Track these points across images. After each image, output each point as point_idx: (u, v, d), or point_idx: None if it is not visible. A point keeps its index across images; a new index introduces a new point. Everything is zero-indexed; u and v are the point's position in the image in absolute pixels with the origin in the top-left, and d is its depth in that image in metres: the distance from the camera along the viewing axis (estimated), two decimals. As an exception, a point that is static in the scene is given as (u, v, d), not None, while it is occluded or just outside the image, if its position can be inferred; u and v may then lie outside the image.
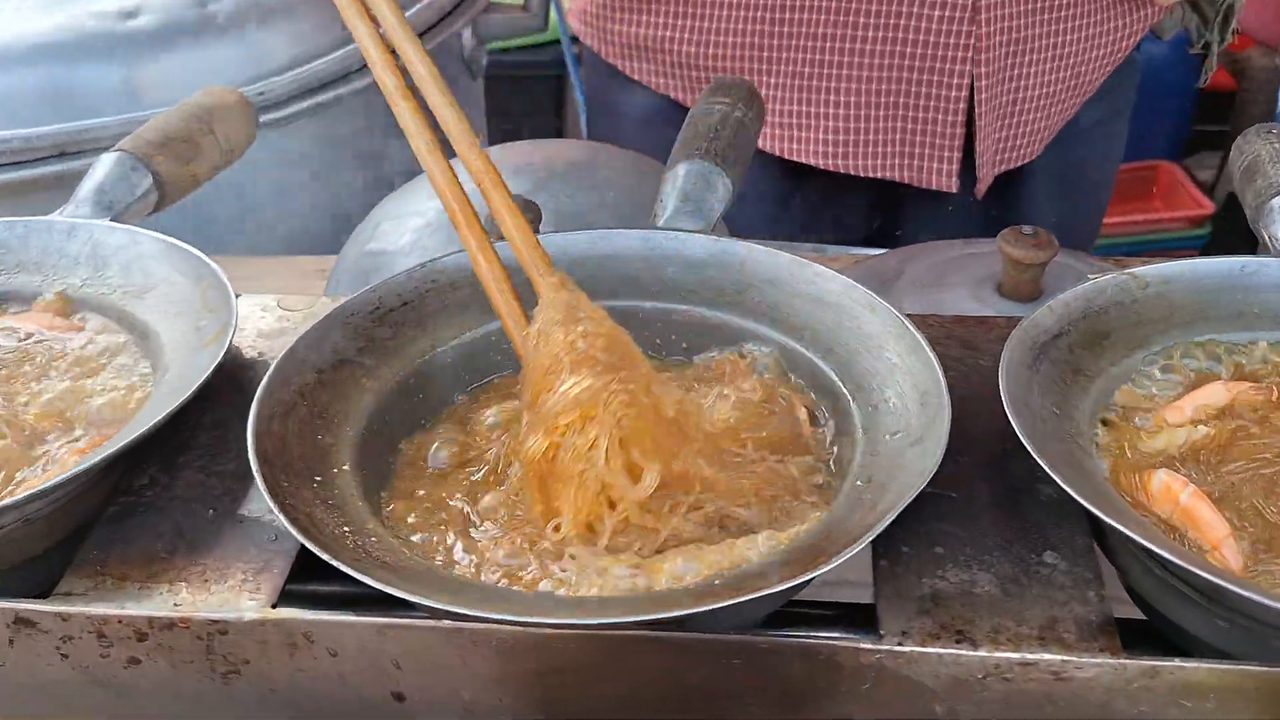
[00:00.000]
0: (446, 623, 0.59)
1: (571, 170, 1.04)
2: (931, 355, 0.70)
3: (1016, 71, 1.24)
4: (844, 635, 0.62)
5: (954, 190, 1.29)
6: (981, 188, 1.30)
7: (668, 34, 1.27)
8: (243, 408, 0.68)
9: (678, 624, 0.58)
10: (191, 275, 0.82)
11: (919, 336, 0.72)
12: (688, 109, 1.33)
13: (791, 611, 0.66)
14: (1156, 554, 0.58)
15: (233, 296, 0.77)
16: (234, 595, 0.64)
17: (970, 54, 1.21)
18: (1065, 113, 1.32)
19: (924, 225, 1.32)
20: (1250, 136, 0.92)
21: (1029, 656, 0.58)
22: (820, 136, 1.26)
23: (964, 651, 0.59)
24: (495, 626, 0.58)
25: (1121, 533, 0.58)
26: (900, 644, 0.59)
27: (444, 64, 1.51)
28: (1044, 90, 1.28)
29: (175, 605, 0.64)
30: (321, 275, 1.21)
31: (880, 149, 1.26)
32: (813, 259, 0.80)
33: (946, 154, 1.28)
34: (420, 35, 1.42)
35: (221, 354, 0.72)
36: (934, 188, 1.28)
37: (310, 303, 0.86)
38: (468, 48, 1.53)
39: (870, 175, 1.28)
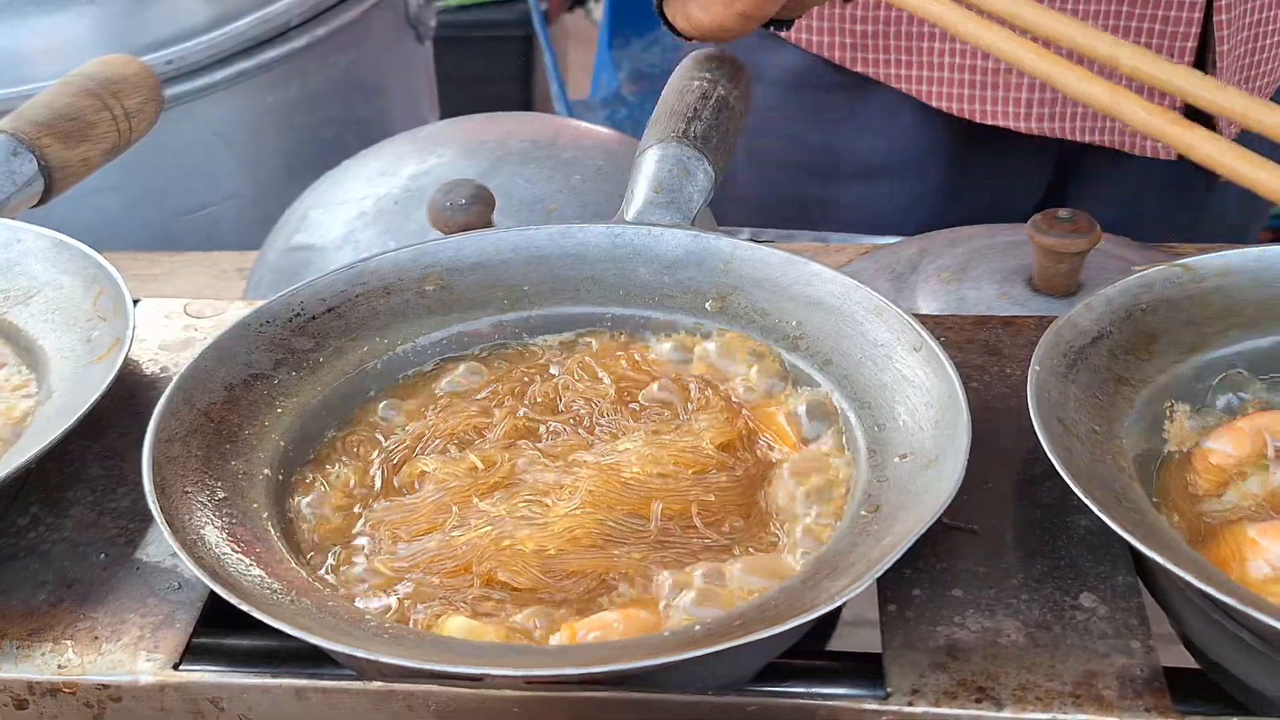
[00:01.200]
0: (376, 685, 0.59)
1: (532, 149, 1.04)
2: (948, 364, 0.70)
3: (1259, 15, 1.23)
4: (846, 693, 0.62)
5: (1173, 158, 1.27)
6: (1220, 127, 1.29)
7: None
8: (141, 433, 0.67)
9: (650, 681, 0.58)
10: (82, 278, 0.81)
11: (933, 343, 0.71)
12: (853, 72, 1.30)
13: (786, 664, 0.65)
14: (1213, 597, 0.58)
15: (130, 302, 0.77)
16: (129, 655, 0.63)
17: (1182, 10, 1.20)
18: None
19: (1109, 194, 1.33)
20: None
21: (1062, 718, 0.58)
22: (1012, 95, 1.26)
23: (986, 712, 0.58)
24: (434, 688, 0.57)
25: (1170, 571, 0.58)
26: (911, 703, 0.59)
27: (387, 25, 1.51)
28: None
29: (59, 667, 0.63)
30: (242, 274, 1.21)
31: (1088, 108, 1.25)
32: (815, 250, 0.80)
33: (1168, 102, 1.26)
34: (357, -8, 1.43)
35: (116, 370, 0.72)
36: (1147, 154, 1.27)
37: (221, 308, 0.85)
38: (413, 7, 1.53)
39: (1075, 139, 1.27)
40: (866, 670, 0.62)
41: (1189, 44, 1.19)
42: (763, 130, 1.35)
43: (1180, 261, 0.79)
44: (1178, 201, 1.33)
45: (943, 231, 1.11)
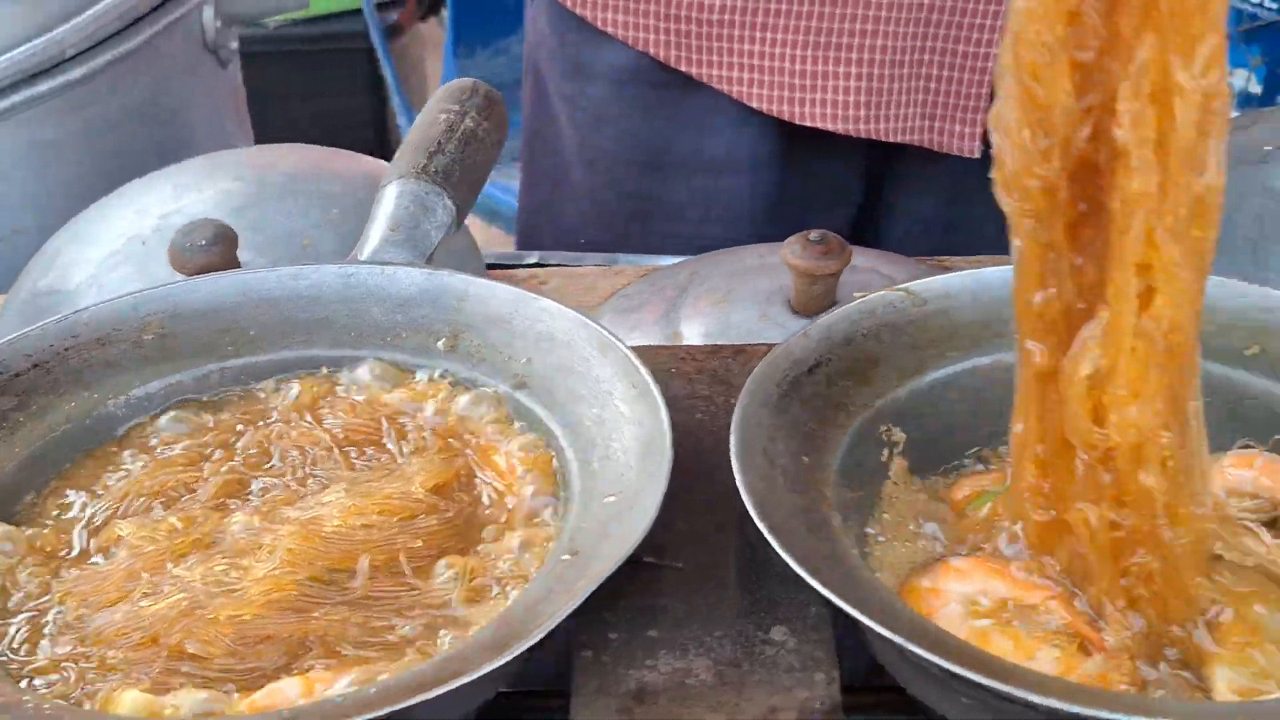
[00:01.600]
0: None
1: (291, 182, 1.03)
2: (659, 399, 0.71)
3: None
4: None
5: (975, 155, 1.32)
6: None
7: None
8: None
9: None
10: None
11: (647, 377, 0.72)
12: (678, 70, 1.33)
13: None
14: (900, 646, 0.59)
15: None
16: None
17: (1003, 7, 1.23)
18: None
19: (924, 192, 1.37)
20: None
21: (743, 755, 0.59)
22: (833, 98, 1.29)
23: (671, 755, 0.59)
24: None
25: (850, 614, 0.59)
26: (597, 750, 0.59)
27: (181, 51, 1.48)
28: None
29: None
30: None
31: (900, 109, 1.28)
32: (599, 272, 0.80)
33: (970, 115, 1.30)
34: (146, 15, 1.40)
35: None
36: (956, 152, 1.32)
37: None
38: (210, 32, 1.50)
39: (889, 139, 1.31)
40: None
41: (991, 50, 1.25)
42: (595, 128, 1.38)
43: (902, 286, 0.81)
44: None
45: (717, 252, 1.12)
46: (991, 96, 1.29)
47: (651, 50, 1.30)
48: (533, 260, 1.22)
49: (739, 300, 1.02)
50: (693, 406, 0.79)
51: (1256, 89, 3.03)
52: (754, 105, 1.30)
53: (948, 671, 0.58)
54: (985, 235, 1.31)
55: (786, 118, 1.30)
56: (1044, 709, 0.57)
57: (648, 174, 1.38)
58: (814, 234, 0.97)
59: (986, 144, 1.30)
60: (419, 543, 0.69)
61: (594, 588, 0.59)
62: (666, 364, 0.82)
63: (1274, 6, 2.87)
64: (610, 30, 1.31)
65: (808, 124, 1.30)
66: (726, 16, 1.27)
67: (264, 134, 1.72)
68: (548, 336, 0.78)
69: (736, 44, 1.28)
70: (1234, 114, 1.16)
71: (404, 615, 0.66)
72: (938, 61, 1.27)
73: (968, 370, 0.80)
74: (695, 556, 0.70)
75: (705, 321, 1.01)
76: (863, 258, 1.06)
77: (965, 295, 0.82)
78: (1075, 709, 0.56)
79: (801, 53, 1.28)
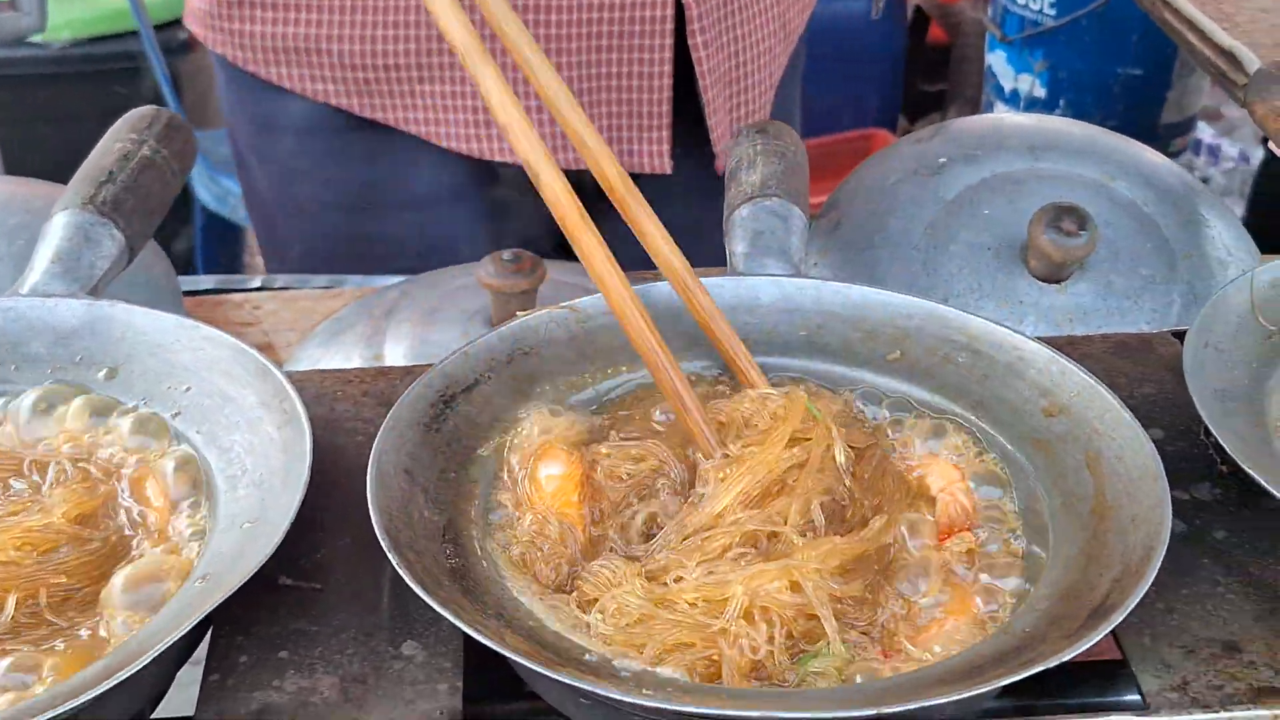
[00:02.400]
0: None
1: (-21, 215, 1.02)
2: (304, 423, 0.72)
3: (735, 33, 1.30)
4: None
5: (667, 171, 1.35)
6: (722, 164, 1.36)
7: (321, 31, 1.27)
8: None
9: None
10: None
11: (296, 402, 0.74)
12: (361, 116, 1.33)
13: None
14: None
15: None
16: None
17: (669, 25, 1.26)
18: (779, 69, 1.41)
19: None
20: (739, 138, 1.00)
21: (359, 771, 0.61)
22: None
23: (289, 774, 0.61)
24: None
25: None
26: (213, 774, 0.61)
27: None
28: (762, 48, 1.35)
29: None
30: None
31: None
32: (322, 295, 0.80)
33: (655, 134, 1.32)
34: None
35: None
36: (648, 171, 1.34)
37: None
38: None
39: (580, 167, 1.31)
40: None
41: (664, 68, 1.26)
42: (293, 178, 1.37)
43: (567, 303, 0.84)
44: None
45: (431, 273, 1.14)
46: (671, 114, 1.35)
47: (333, 101, 1.30)
48: (255, 285, 1.23)
49: (442, 320, 1.05)
50: (354, 429, 0.80)
51: (1040, 93, 3.18)
52: (445, 145, 1.30)
53: (554, 680, 0.61)
54: (713, 245, 1.36)
55: (477, 155, 1.31)
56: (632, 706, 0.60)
57: (356, 215, 1.38)
58: (507, 253, 1.00)
59: (698, 157, 1.37)
60: (62, 577, 0.69)
61: (198, 619, 0.61)
62: (333, 387, 0.84)
63: (1052, 13, 3.02)
64: (287, 85, 1.30)
65: (497, 160, 1.31)
66: (402, 60, 1.27)
67: (21, 162, 1.68)
68: (208, 364, 0.80)
69: (418, 86, 1.28)
70: (914, 127, 1.22)
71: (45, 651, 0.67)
72: (615, 87, 1.30)
73: (631, 386, 0.84)
74: (345, 577, 0.71)
75: (408, 342, 1.04)
76: (566, 274, 1.09)
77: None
78: (669, 705, 0.60)
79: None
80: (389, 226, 1.37)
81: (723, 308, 0.86)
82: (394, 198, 1.36)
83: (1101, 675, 0.70)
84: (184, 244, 2.78)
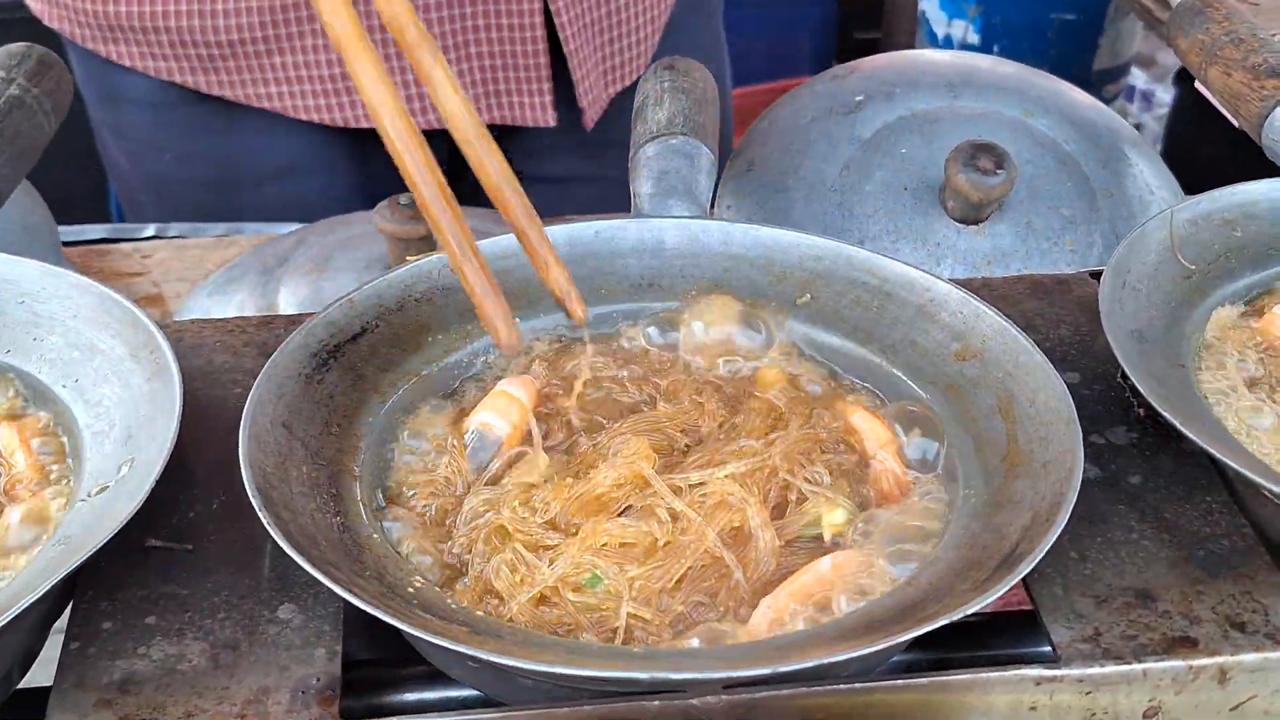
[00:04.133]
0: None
1: None
2: (175, 373, 0.69)
3: None
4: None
5: (551, 124, 1.32)
6: (589, 117, 1.33)
7: (155, 8, 1.21)
8: None
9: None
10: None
11: (167, 353, 0.70)
12: (202, 93, 1.26)
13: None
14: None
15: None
16: None
17: None
18: (662, 18, 1.38)
19: (537, 167, 1.35)
20: (647, 75, 0.96)
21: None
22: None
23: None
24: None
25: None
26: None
27: None
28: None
29: None
30: None
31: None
32: (211, 243, 0.76)
33: (535, 86, 1.28)
34: None
35: None
36: (531, 124, 1.31)
37: None
38: None
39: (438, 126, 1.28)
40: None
41: (536, 19, 1.24)
42: (150, 152, 1.32)
43: (460, 248, 0.81)
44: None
45: (328, 220, 1.10)
46: (549, 66, 1.31)
47: (177, 78, 1.25)
48: (148, 234, 1.18)
49: (336, 269, 1.01)
50: (234, 381, 0.77)
51: (974, 38, 3.16)
52: (300, 117, 1.26)
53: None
54: (588, 198, 1.33)
55: (339, 124, 1.27)
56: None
57: (216, 189, 1.33)
58: (404, 198, 0.96)
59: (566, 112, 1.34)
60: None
61: (54, 582, 0.57)
62: (214, 337, 0.80)
63: (988, -41, 3.00)
64: (127, 63, 1.25)
65: (354, 126, 1.27)
66: (245, 35, 1.22)
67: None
68: (74, 313, 0.75)
69: (265, 60, 1.24)
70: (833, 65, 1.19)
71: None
72: (486, 39, 1.26)
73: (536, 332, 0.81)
74: (219, 538, 0.68)
75: (300, 291, 1.00)
76: (472, 219, 1.06)
77: (522, 255, 0.82)
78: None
79: (338, 57, 1.25)
80: (252, 198, 1.32)
81: (626, 251, 0.83)
82: (254, 171, 1.31)
83: (1016, 626, 0.68)
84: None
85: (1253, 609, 0.65)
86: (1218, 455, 0.66)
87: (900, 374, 0.77)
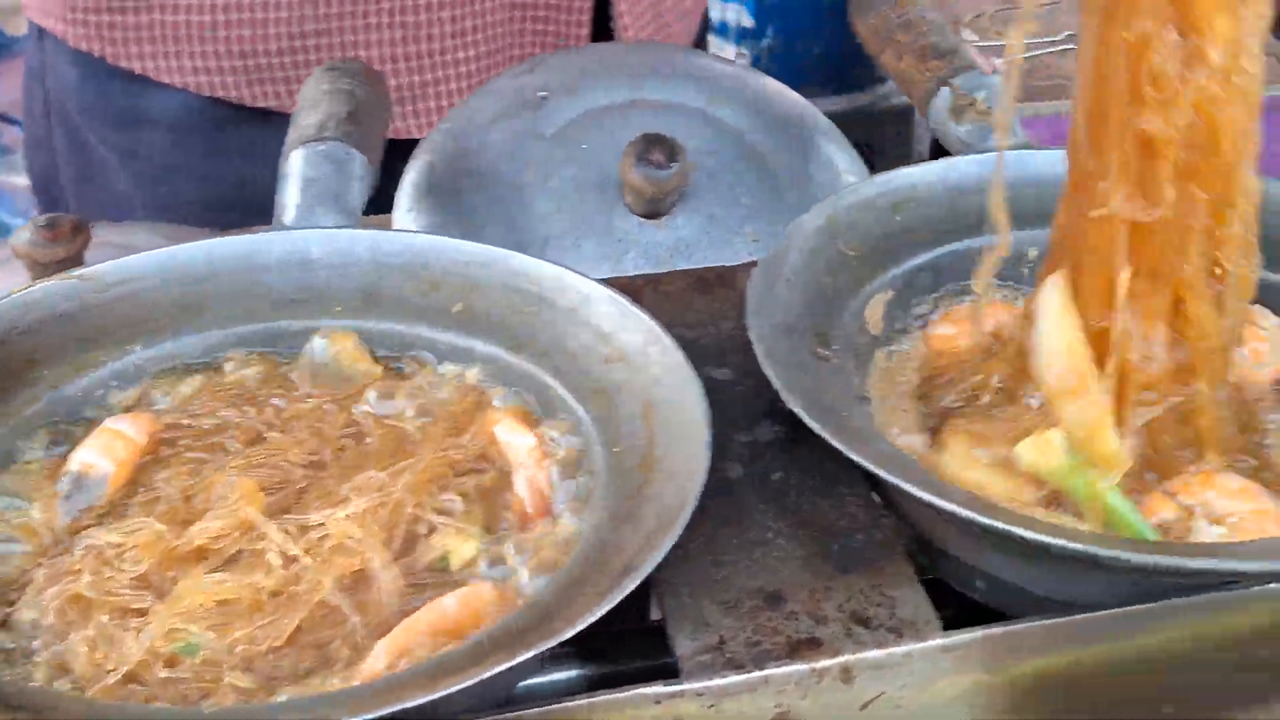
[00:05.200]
0: None
1: None
2: None
3: None
4: None
5: None
6: None
7: (206, 18, 1.16)
8: None
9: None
10: None
11: None
12: (246, 106, 1.20)
13: None
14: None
15: None
16: None
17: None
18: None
19: None
20: (309, 79, 0.93)
21: None
22: (440, 105, 1.22)
23: None
24: None
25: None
26: None
27: None
28: None
29: None
30: None
31: None
32: None
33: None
34: None
35: None
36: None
37: None
38: None
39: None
40: None
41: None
42: (161, 178, 1.26)
43: (77, 272, 0.76)
44: None
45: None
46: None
47: (219, 93, 1.21)
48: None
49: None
50: None
51: (749, 22, 3.19)
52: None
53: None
54: None
55: (401, 135, 1.21)
56: None
57: (225, 214, 1.26)
58: (44, 217, 0.91)
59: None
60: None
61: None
62: None
63: (760, -56, 3.02)
64: (167, 79, 1.21)
65: (411, 137, 1.20)
66: (298, 43, 1.18)
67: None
68: None
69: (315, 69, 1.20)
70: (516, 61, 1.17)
71: None
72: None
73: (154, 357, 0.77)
74: None
75: None
76: (120, 234, 1.01)
77: (155, 277, 0.78)
78: None
79: (412, 64, 1.21)
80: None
81: (270, 265, 0.80)
82: (261, 195, 1.28)
83: (647, 641, 0.66)
84: None
85: (879, 603, 0.64)
86: (843, 448, 0.66)
87: (550, 380, 0.75)
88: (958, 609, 0.70)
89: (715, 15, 3.23)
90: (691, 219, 0.97)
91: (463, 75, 1.20)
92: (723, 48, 2.84)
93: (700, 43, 1.47)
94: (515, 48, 1.20)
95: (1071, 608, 0.65)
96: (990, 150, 0.90)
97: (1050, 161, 0.88)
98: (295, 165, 0.84)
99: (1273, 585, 0.64)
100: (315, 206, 0.82)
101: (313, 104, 0.89)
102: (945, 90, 0.93)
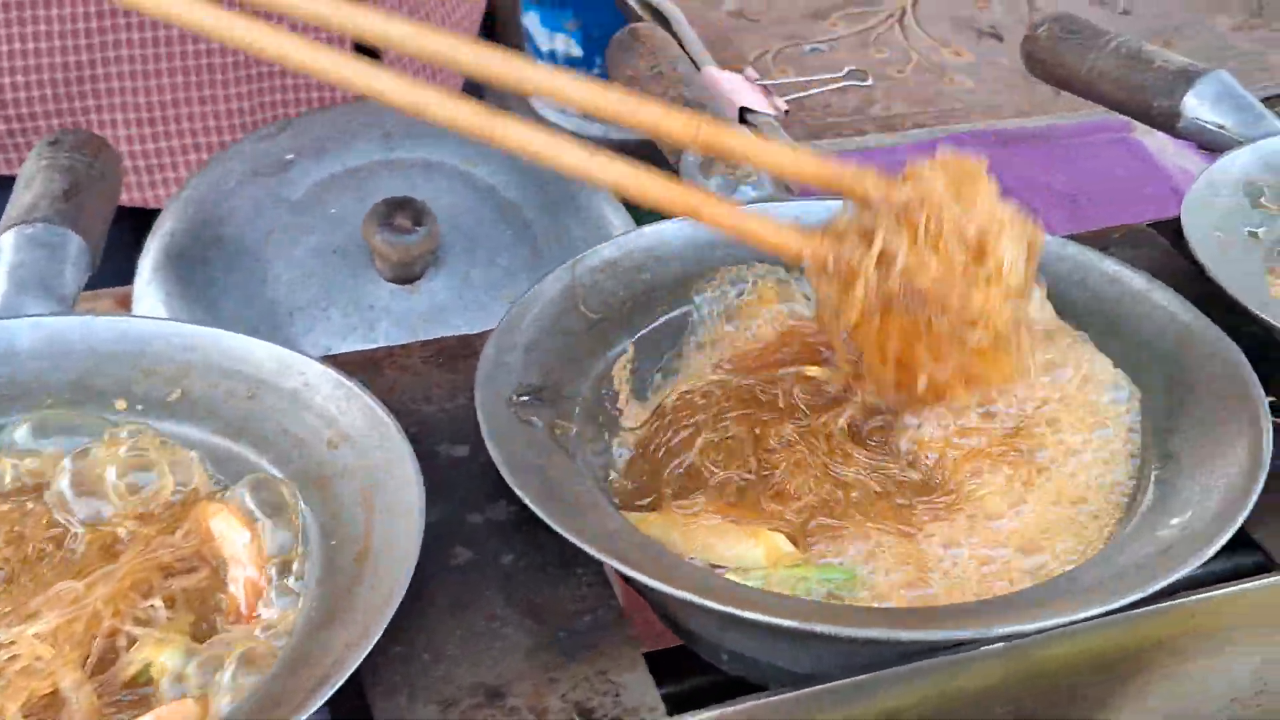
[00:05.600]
0: None
1: None
2: None
3: None
4: None
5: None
6: None
7: None
8: None
9: None
10: None
11: None
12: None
13: None
14: None
15: None
16: None
17: None
18: None
19: None
20: (30, 154, 0.88)
21: None
22: (180, 175, 1.17)
23: None
24: None
25: None
26: None
27: None
28: None
29: None
30: None
31: None
32: None
33: None
34: None
35: None
36: None
37: None
38: None
39: None
40: None
41: None
42: None
43: None
44: None
45: None
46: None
47: None
48: None
49: None
50: None
51: (577, 51, 3.18)
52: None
53: None
54: None
55: (144, 204, 1.18)
56: None
57: None
58: None
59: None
60: None
61: None
62: None
63: (592, -26, 3.02)
64: None
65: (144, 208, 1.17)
66: (25, 111, 1.12)
67: None
68: None
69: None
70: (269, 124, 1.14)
71: None
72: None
73: None
74: None
75: None
76: None
77: None
78: None
79: (155, 129, 1.17)
80: None
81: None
82: None
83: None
84: None
85: (604, 690, 0.62)
86: (565, 532, 0.64)
87: (271, 469, 0.72)
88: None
89: (544, 45, 3.22)
90: (447, 282, 0.94)
91: (209, 142, 1.16)
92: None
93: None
94: (267, 108, 1.16)
95: (813, 679, 0.64)
96: (740, 201, 0.90)
97: (795, 213, 0.87)
98: (3, 250, 0.80)
99: (999, 644, 0.64)
100: (23, 294, 0.77)
101: (27, 182, 0.84)
102: (694, 143, 0.92)
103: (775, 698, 0.63)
